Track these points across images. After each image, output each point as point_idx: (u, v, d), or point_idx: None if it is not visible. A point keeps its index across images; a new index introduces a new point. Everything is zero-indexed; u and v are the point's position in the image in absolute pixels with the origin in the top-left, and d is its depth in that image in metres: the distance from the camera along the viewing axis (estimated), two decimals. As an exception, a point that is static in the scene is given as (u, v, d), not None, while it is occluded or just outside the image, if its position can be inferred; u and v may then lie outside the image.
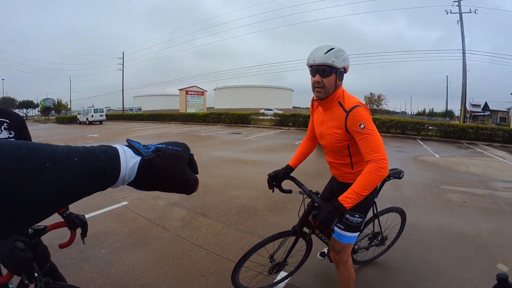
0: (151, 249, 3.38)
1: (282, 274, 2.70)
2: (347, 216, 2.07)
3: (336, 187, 2.27)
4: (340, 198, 1.70)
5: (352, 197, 1.69)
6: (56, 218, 1.45)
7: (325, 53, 1.83)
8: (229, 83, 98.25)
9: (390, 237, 3.16)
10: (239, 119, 26.73)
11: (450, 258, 3.30)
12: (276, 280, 2.67)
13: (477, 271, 3.06)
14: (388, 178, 2.60)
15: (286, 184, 2.26)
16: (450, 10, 28.23)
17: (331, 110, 1.99)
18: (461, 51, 27.79)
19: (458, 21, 27.81)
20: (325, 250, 2.85)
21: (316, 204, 2.00)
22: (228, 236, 3.70)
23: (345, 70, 1.94)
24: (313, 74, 1.90)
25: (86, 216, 4.06)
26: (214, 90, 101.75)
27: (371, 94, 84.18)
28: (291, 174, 2.31)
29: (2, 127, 1.53)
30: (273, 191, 2.36)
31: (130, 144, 0.55)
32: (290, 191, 2.28)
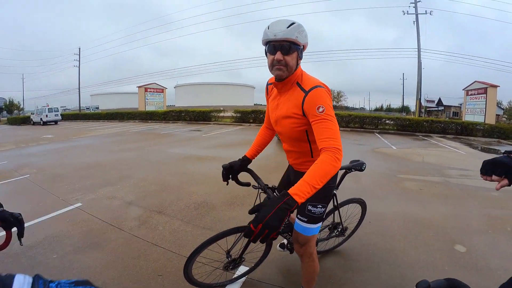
0: (105, 251, 3.25)
1: (243, 269, 2.68)
2: (309, 207, 1.96)
3: (294, 178, 2.13)
4: (291, 191, 1.30)
5: (306, 190, 1.31)
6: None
7: (287, 27, 1.59)
8: (190, 81, 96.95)
9: (351, 226, 3.24)
10: (200, 117, 26.54)
11: (409, 242, 3.44)
12: (235, 276, 2.64)
13: (436, 253, 3.21)
14: (349, 170, 2.63)
15: (244, 176, 2.18)
16: (407, 11, 29.09)
17: (288, 92, 1.80)
18: (417, 50, 28.74)
19: (414, 21, 28.78)
20: (285, 241, 2.78)
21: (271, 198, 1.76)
22: (185, 233, 3.64)
23: (304, 48, 1.73)
24: (271, 51, 1.66)
25: (37, 220, 3.93)
26: (174, 87, 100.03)
27: (330, 91, 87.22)
28: (249, 166, 2.20)
29: None
30: (227, 184, 2.22)
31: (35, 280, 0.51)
32: (248, 184, 2.13)
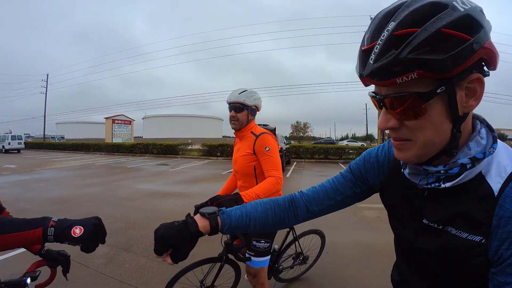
0: (72, 288, 3.42)
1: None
2: (254, 242, 2.36)
3: None
4: (242, 193, 1.81)
5: (251, 195, 1.86)
6: (31, 258, 1.54)
7: (238, 94, 2.33)
8: (157, 112, 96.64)
9: (312, 256, 3.63)
10: (167, 150, 26.46)
11: (363, 269, 3.84)
12: None
13: (387, 278, 3.56)
14: None
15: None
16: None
17: (244, 138, 2.41)
18: None
19: None
20: None
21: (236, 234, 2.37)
22: (151, 270, 3.85)
23: (257, 108, 2.44)
24: (230, 110, 2.38)
25: (1, 257, 3.97)
26: (142, 119, 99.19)
27: (297, 122, 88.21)
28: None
29: None
30: None
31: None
32: None
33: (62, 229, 1.07)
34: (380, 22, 0.65)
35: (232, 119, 2.39)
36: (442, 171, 0.70)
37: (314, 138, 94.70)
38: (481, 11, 0.61)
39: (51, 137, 59.41)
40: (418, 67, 0.59)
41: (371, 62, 0.64)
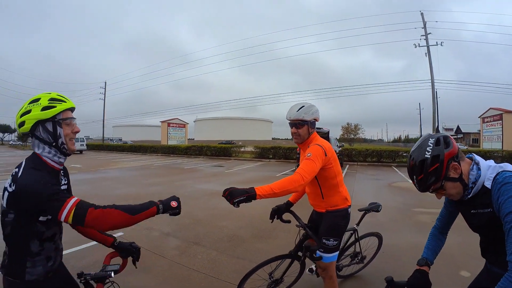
0: (153, 274, 3.79)
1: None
2: (324, 241, 2.55)
3: (315, 217, 2.79)
4: (257, 187, 1.97)
5: (266, 190, 1.98)
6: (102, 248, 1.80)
7: (297, 111, 2.48)
8: (207, 116, 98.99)
9: (368, 256, 3.78)
10: (221, 152, 27.20)
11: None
12: None
13: (442, 278, 3.64)
14: (368, 211, 3.37)
15: (285, 216, 2.80)
16: (419, 44, 29.23)
17: (306, 150, 2.52)
18: (430, 81, 28.59)
19: (426, 53, 28.71)
20: (313, 266, 3.36)
21: (308, 234, 2.60)
22: (222, 262, 4.14)
23: (315, 120, 2.57)
24: (291, 126, 2.56)
25: (82, 246, 4.44)
26: (194, 121, 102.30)
27: (348, 124, 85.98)
28: (291, 209, 2.83)
29: (61, 173, 1.63)
30: (272, 222, 2.84)
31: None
32: (288, 221, 2.76)
33: (165, 203, 1.53)
34: None
35: (294, 135, 2.57)
36: (466, 193, 1.47)
37: (365, 140, 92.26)
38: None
39: (109, 139, 63.18)
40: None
41: None
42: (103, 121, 54.32)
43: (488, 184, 1.40)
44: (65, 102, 1.52)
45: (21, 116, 1.45)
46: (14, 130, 72.09)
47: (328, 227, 2.55)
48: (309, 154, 2.31)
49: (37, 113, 1.44)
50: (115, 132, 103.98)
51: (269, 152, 24.75)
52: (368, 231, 3.73)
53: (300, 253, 2.80)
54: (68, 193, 1.67)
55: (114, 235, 4.84)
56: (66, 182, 1.71)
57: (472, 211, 1.53)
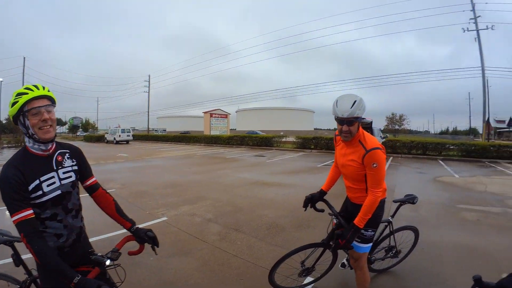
0: (194, 257, 3.93)
1: (309, 279, 3.18)
2: (362, 231, 2.53)
3: (351, 208, 2.72)
4: (355, 222, 2.35)
5: (363, 219, 2.35)
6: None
7: (351, 108, 2.20)
8: (247, 106, 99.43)
9: (404, 251, 3.61)
10: (262, 142, 27.25)
11: (458, 269, 3.66)
12: (304, 283, 3.15)
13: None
14: (403, 202, 3.27)
15: (319, 204, 2.79)
16: (467, 28, 27.21)
17: (352, 147, 2.42)
18: (480, 68, 26.69)
19: (475, 38, 26.78)
20: (345, 261, 3.36)
21: (341, 224, 2.57)
22: (260, 249, 4.21)
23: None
24: (340, 123, 2.31)
25: (107, 235, 4.59)
26: (236, 112, 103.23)
27: (392, 114, 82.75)
28: (324, 197, 2.81)
29: (66, 156, 1.77)
30: (305, 210, 2.85)
31: None
32: (322, 210, 2.76)
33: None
34: None
35: (345, 133, 2.34)
36: None
37: (410, 131, 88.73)
38: None
39: (154, 130, 65.54)
40: None
41: None
42: (148, 113, 56.64)
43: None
44: (27, 94, 1.53)
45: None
46: (65, 123, 76.47)
47: None
48: (375, 165, 2.28)
49: (10, 110, 1.57)
50: (159, 123, 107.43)
51: (310, 143, 24.33)
52: (406, 224, 3.63)
53: (331, 242, 2.76)
54: (86, 171, 1.90)
55: (160, 215, 4.99)
56: (75, 163, 1.83)
57: None
